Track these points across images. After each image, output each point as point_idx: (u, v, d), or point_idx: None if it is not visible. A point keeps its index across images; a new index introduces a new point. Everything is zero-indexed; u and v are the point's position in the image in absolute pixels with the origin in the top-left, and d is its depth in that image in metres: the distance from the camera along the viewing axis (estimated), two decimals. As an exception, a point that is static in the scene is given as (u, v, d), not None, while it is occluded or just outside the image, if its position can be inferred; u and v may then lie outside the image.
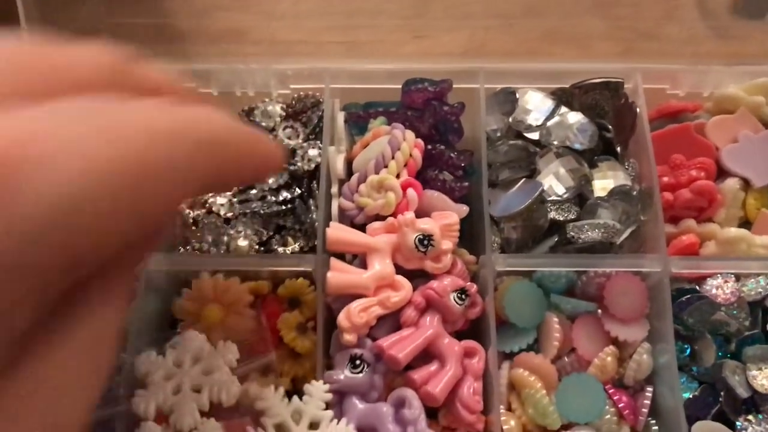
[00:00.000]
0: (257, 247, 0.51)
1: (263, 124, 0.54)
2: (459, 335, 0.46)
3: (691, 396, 0.48)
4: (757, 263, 0.50)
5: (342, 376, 0.42)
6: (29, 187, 0.16)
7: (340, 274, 0.44)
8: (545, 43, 0.65)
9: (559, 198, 0.51)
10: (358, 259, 0.46)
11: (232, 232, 0.51)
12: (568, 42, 0.65)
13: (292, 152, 0.53)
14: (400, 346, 0.43)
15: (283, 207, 0.52)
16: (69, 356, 0.19)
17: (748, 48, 0.66)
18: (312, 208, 0.51)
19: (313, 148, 0.53)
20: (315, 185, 0.52)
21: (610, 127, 0.53)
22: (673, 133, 0.54)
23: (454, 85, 0.52)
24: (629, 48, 0.66)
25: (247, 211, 0.52)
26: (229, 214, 0.52)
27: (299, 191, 0.52)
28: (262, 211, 0.51)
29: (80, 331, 0.19)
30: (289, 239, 0.51)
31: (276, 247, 0.51)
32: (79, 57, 0.19)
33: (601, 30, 0.66)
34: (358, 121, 0.53)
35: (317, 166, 0.52)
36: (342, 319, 0.43)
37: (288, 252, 0.51)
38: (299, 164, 0.53)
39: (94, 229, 0.18)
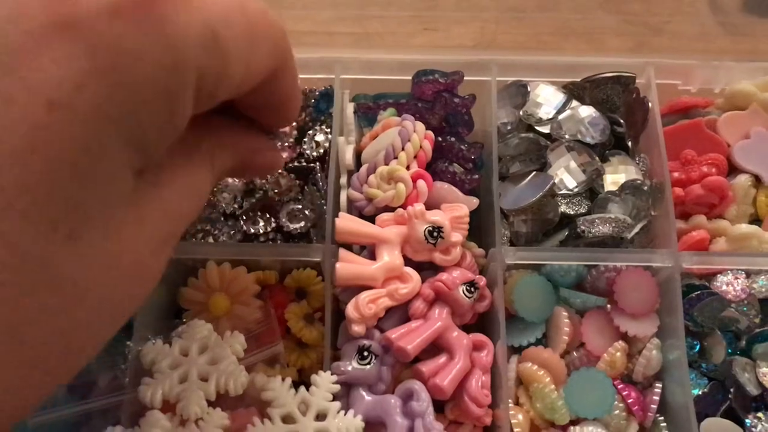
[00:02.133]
0: (267, 232, 0.50)
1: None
2: (468, 328, 0.46)
3: (700, 393, 0.48)
4: (767, 260, 0.49)
5: (350, 368, 0.42)
6: (182, 14, 0.22)
7: (348, 265, 0.43)
8: (556, 37, 0.65)
9: (569, 192, 0.51)
10: (367, 250, 0.46)
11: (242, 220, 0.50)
12: (580, 36, 0.65)
13: (300, 138, 0.53)
14: (409, 338, 0.42)
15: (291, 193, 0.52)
16: (173, 192, 0.26)
17: (759, 44, 0.66)
18: (322, 191, 0.51)
19: (320, 133, 0.52)
20: (317, 169, 0.51)
21: (621, 121, 0.52)
22: (685, 128, 0.54)
23: (465, 78, 0.51)
24: (640, 43, 0.65)
25: (254, 199, 0.51)
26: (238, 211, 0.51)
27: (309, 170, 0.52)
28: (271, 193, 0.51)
29: (181, 177, 0.27)
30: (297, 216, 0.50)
31: (284, 221, 0.50)
32: None
33: (612, 25, 0.66)
34: (368, 112, 0.53)
35: (325, 152, 0.52)
36: (350, 309, 0.42)
37: (297, 227, 0.50)
38: (307, 151, 0.52)
39: (222, 62, 0.24)
